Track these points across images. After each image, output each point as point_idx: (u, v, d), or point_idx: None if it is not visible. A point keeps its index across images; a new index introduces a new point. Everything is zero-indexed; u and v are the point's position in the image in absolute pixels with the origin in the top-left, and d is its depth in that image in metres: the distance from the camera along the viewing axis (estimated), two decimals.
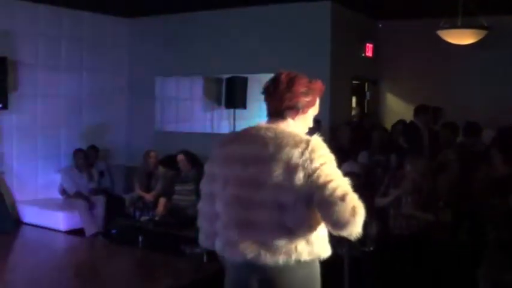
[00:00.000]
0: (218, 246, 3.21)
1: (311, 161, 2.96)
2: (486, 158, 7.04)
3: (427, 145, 8.37)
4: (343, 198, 2.86)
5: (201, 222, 3.37)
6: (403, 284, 5.84)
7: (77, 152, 9.98)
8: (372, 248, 5.74)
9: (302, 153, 2.97)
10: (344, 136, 8.94)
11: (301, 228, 3.04)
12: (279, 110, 3.20)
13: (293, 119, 3.20)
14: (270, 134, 3.10)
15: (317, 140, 3.04)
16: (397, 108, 10.75)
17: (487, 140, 8.04)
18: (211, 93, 10.53)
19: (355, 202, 2.89)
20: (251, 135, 3.15)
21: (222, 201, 3.15)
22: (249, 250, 3.05)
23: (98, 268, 7.17)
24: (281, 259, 3.03)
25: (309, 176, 2.95)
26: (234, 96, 9.94)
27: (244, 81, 9.93)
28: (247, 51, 10.00)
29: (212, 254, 6.67)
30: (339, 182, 2.93)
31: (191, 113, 10.93)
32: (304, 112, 3.23)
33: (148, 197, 9.24)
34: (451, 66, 9.95)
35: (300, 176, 2.96)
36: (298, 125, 3.21)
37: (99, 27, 11.08)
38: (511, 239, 5.87)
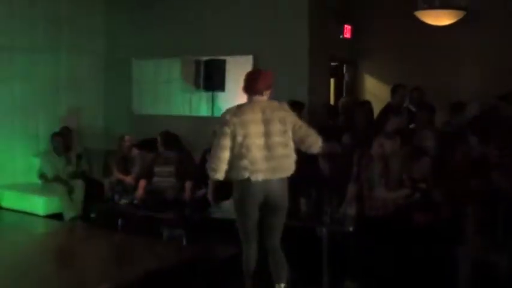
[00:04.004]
0: (242, 174, 5.21)
1: (289, 115, 5.38)
2: (463, 139, 7.09)
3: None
4: (314, 131, 5.49)
5: (218, 165, 5.26)
6: (382, 264, 5.88)
7: (55, 135, 9.90)
8: (351, 229, 5.77)
9: (284, 112, 5.36)
10: (323, 117, 8.95)
11: (294, 155, 5.38)
12: (261, 90, 5.36)
13: (266, 94, 5.39)
14: (263, 104, 5.33)
15: (285, 104, 5.48)
16: (375, 90, 10.77)
17: (473, 113, 8.06)
18: (189, 75, 10.47)
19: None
20: (254, 107, 5.30)
21: (245, 148, 5.18)
22: (268, 172, 5.23)
23: (77, 252, 7.15)
24: (287, 174, 5.37)
25: (291, 122, 5.36)
26: (212, 78, 9.91)
27: (223, 63, 9.89)
28: (225, 33, 9.95)
29: (191, 236, 6.69)
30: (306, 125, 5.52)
31: (169, 95, 10.87)
32: (270, 89, 5.43)
33: (129, 179, 9.19)
34: (430, 47, 9.95)
35: (289, 124, 5.32)
36: (266, 98, 5.40)
37: (76, 9, 10.96)
38: (490, 219, 5.92)
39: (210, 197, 6.02)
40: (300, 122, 5.44)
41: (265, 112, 5.28)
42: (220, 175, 5.33)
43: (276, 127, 5.27)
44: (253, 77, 5.44)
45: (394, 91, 8.71)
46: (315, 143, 5.47)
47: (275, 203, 5.38)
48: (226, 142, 5.23)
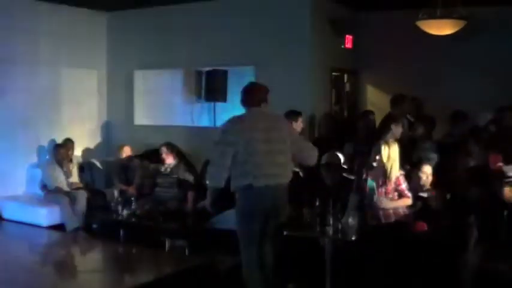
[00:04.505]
0: (246, 180, 5.36)
1: (286, 126, 5.76)
2: (464, 148, 7.11)
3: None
4: (310, 143, 6.02)
5: (219, 171, 5.39)
6: (385, 273, 5.87)
7: (57, 147, 9.92)
8: (353, 238, 5.76)
9: (281, 123, 5.71)
10: (324, 127, 8.96)
11: (292, 164, 5.71)
12: (258, 102, 5.59)
13: (263, 106, 5.61)
14: (262, 114, 5.58)
15: (282, 116, 6.07)
16: (376, 100, 10.77)
17: (484, 123, 8.10)
18: (191, 86, 10.48)
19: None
20: (253, 116, 5.55)
21: (247, 153, 5.33)
22: (271, 178, 5.41)
23: (80, 263, 7.16)
24: (286, 180, 5.58)
25: (289, 133, 5.71)
26: (214, 89, 9.91)
27: (224, 74, 9.90)
28: (227, 43, 9.98)
29: (193, 246, 6.71)
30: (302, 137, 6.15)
31: (171, 106, 10.88)
32: (266, 102, 5.66)
33: (130, 190, 9.21)
34: (431, 57, 9.95)
35: (287, 135, 5.60)
36: (264, 109, 5.62)
37: (77, 21, 10.97)
38: (493, 228, 5.92)
39: (208, 203, 5.81)
40: (296, 134, 5.81)
41: (264, 121, 5.53)
42: (220, 182, 5.46)
43: (275, 135, 5.52)
44: (248, 90, 5.65)
45: (394, 101, 8.73)
46: (311, 155, 5.76)
47: (279, 209, 5.57)
48: (228, 149, 5.38)
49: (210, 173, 5.54)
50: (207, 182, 5.60)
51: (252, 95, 5.61)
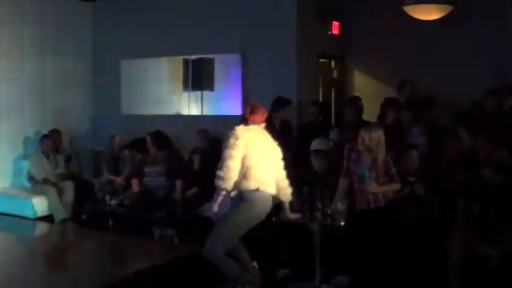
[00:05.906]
0: (254, 184, 5.60)
1: (280, 152, 5.96)
2: (453, 133, 7.12)
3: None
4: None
5: (228, 174, 5.55)
6: (373, 258, 5.88)
7: (43, 138, 9.87)
8: (342, 223, 5.77)
9: (278, 150, 5.94)
10: (312, 113, 8.96)
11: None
12: (259, 122, 5.90)
13: (261, 126, 5.93)
14: (266, 134, 5.92)
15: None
16: (363, 86, 10.76)
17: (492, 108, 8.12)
18: (178, 75, 10.44)
19: None
20: (260, 132, 5.87)
21: (254, 159, 5.62)
22: (272, 188, 5.75)
23: (69, 253, 7.13)
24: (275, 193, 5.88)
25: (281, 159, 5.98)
26: (200, 78, 9.88)
27: (211, 62, 9.87)
28: (213, 31, 9.92)
29: (182, 235, 6.70)
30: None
31: (158, 95, 10.84)
32: (265, 123, 6.01)
33: (119, 180, 9.19)
34: (419, 43, 9.94)
35: (280, 159, 5.94)
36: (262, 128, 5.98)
37: (62, 10, 10.91)
38: (481, 211, 5.94)
39: (215, 208, 5.74)
40: (283, 164, 6.00)
41: (266, 138, 5.92)
42: (229, 184, 5.60)
43: (274, 152, 5.92)
44: (252, 111, 5.90)
45: (401, 85, 8.88)
46: (286, 188, 5.97)
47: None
48: (238, 153, 5.59)
49: (220, 176, 5.60)
50: (218, 184, 5.60)
51: (254, 117, 5.86)
